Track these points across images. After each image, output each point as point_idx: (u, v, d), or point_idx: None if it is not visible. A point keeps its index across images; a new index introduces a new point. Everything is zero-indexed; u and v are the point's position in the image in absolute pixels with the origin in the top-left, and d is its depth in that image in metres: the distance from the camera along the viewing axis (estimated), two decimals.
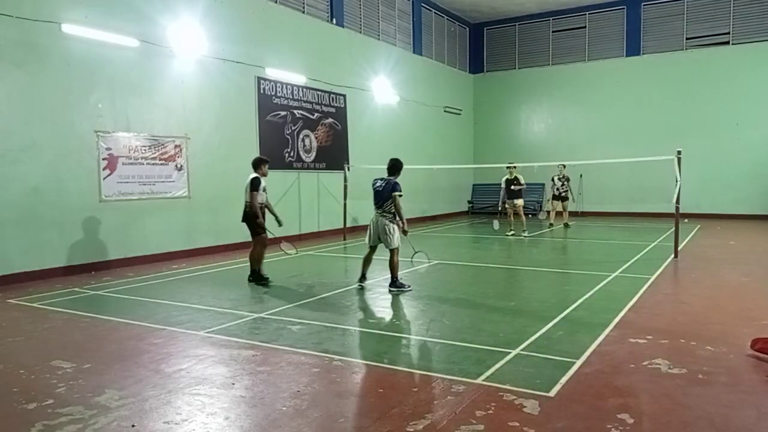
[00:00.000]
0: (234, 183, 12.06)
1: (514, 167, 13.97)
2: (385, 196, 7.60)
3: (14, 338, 5.65)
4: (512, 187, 13.78)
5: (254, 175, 8.39)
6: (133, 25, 9.98)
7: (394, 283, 7.62)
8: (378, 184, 7.75)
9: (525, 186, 14.12)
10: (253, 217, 8.26)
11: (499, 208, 14.49)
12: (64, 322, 6.24)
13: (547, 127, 21.24)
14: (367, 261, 7.87)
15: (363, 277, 7.85)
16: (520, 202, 13.85)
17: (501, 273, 9.31)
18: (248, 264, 8.60)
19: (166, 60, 10.68)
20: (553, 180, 15.45)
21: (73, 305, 6.98)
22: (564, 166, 15.42)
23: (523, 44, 21.51)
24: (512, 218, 14.08)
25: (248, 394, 4.07)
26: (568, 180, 15.55)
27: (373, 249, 7.89)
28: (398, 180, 7.77)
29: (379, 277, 8.62)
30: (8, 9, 8.35)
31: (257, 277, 8.39)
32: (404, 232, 7.75)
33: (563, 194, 15.51)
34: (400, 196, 7.60)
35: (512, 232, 13.85)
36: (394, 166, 7.90)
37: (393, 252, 7.61)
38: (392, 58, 17.22)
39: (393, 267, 7.63)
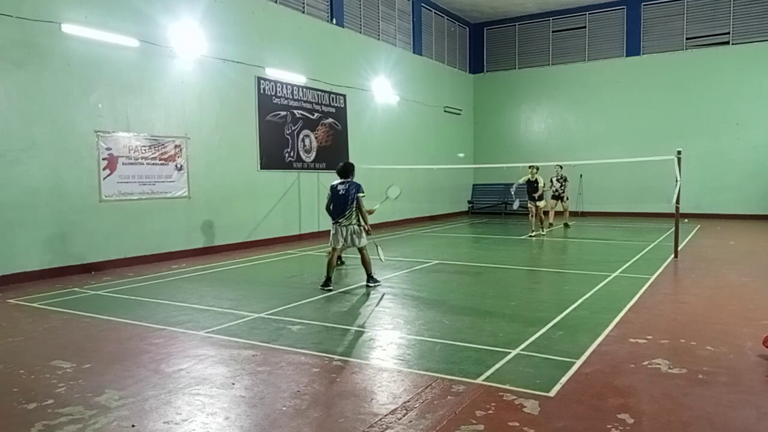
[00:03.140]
0: (234, 183, 12.12)
1: (537, 169, 13.97)
2: (350, 199, 7.62)
3: (14, 338, 5.65)
4: (536, 186, 13.83)
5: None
6: (133, 25, 9.98)
7: (371, 278, 7.83)
8: (341, 188, 7.73)
9: (544, 189, 14.27)
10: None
11: (511, 192, 14.49)
12: (64, 322, 6.24)
13: (547, 127, 21.24)
14: (331, 265, 7.81)
15: (329, 280, 7.75)
16: (542, 203, 13.98)
17: (501, 273, 9.30)
18: (251, 264, 8.58)
19: (166, 60, 10.68)
20: (551, 181, 15.53)
21: (73, 305, 6.98)
22: (561, 167, 15.52)
23: (523, 44, 21.51)
24: (533, 218, 14.08)
25: (248, 394, 4.07)
26: (566, 180, 15.63)
27: (336, 251, 7.90)
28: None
29: (379, 277, 8.62)
30: (8, 9, 8.35)
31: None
32: (367, 232, 7.86)
33: (561, 194, 15.62)
34: (363, 196, 7.68)
35: (535, 233, 13.81)
36: (347, 169, 7.90)
37: (363, 250, 7.77)
38: (392, 58, 17.22)
39: (367, 264, 7.83)
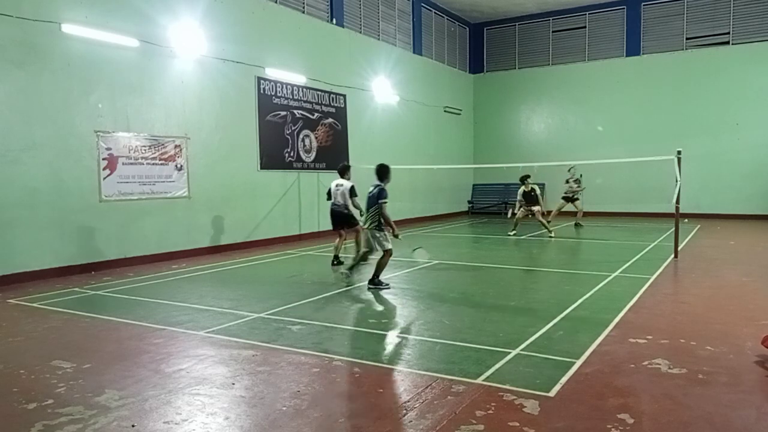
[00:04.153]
0: (234, 183, 12.12)
1: (529, 177, 14.11)
2: (371, 202, 7.65)
3: (14, 338, 5.65)
4: (532, 194, 14.11)
5: (351, 183, 9.73)
6: (133, 25, 9.98)
7: (373, 281, 7.70)
8: (371, 190, 7.75)
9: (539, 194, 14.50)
10: (350, 217, 9.69)
11: (516, 213, 14.62)
12: (64, 322, 6.24)
13: (547, 127, 21.24)
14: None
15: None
16: (537, 208, 14.10)
17: (501, 273, 9.30)
18: (249, 263, 8.60)
19: (166, 60, 10.68)
20: (568, 182, 15.59)
21: (73, 305, 6.98)
22: (575, 168, 15.61)
23: (523, 44, 21.50)
24: (520, 220, 14.43)
25: (248, 394, 4.07)
26: (578, 182, 15.70)
27: (367, 252, 8.01)
28: (386, 186, 7.71)
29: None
30: (8, 9, 8.35)
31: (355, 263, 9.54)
32: (395, 236, 7.83)
33: (575, 196, 15.70)
34: (385, 203, 7.58)
35: (514, 232, 14.19)
36: (380, 172, 7.78)
37: (386, 252, 7.73)
38: (392, 58, 17.22)
39: (381, 265, 7.76)
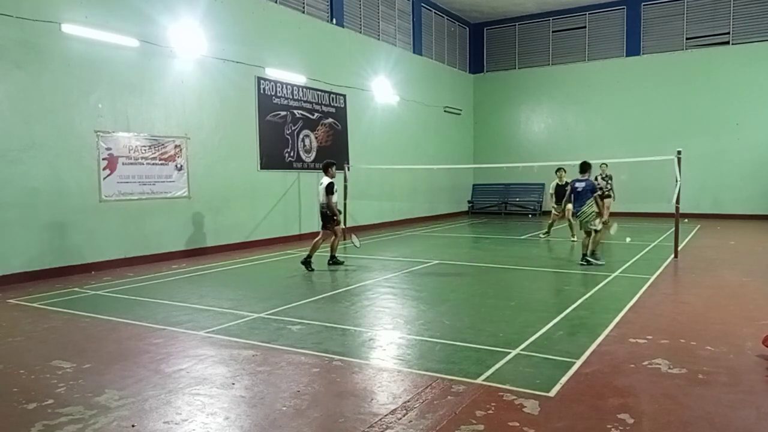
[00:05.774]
0: (234, 183, 12.12)
1: (565, 171, 13.11)
2: (587, 196, 9.21)
3: (14, 338, 5.65)
4: (567, 188, 12.39)
5: (329, 180, 9.48)
6: (133, 25, 9.98)
7: (586, 257, 9.33)
8: (578, 185, 9.35)
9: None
10: (331, 215, 9.51)
11: (555, 211, 13.27)
12: (64, 322, 6.24)
13: (547, 127, 21.25)
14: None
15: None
16: (569, 206, 11.80)
17: (501, 273, 9.30)
18: (251, 264, 8.58)
19: (166, 60, 10.68)
20: (597, 179, 15.08)
21: (73, 305, 6.98)
22: (606, 165, 15.03)
23: (523, 44, 21.51)
24: (555, 222, 13.49)
25: (248, 394, 4.07)
26: (611, 178, 15.26)
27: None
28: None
29: (379, 277, 8.64)
30: (8, 9, 8.35)
31: (335, 261, 9.91)
32: (604, 223, 9.72)
33: (609, 193, 15.13)
34: (598, 195, 9.41)
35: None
36: (585, 166, 9.62)
37: (596, 233, 9.25)
38: (392, 58, 17.23)
39: (595, 242, 9.32)
